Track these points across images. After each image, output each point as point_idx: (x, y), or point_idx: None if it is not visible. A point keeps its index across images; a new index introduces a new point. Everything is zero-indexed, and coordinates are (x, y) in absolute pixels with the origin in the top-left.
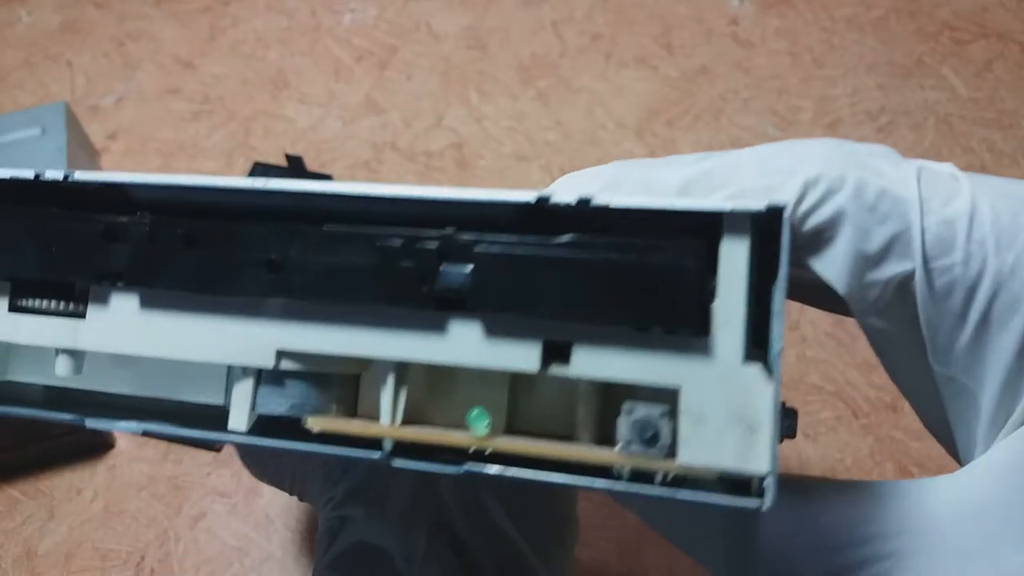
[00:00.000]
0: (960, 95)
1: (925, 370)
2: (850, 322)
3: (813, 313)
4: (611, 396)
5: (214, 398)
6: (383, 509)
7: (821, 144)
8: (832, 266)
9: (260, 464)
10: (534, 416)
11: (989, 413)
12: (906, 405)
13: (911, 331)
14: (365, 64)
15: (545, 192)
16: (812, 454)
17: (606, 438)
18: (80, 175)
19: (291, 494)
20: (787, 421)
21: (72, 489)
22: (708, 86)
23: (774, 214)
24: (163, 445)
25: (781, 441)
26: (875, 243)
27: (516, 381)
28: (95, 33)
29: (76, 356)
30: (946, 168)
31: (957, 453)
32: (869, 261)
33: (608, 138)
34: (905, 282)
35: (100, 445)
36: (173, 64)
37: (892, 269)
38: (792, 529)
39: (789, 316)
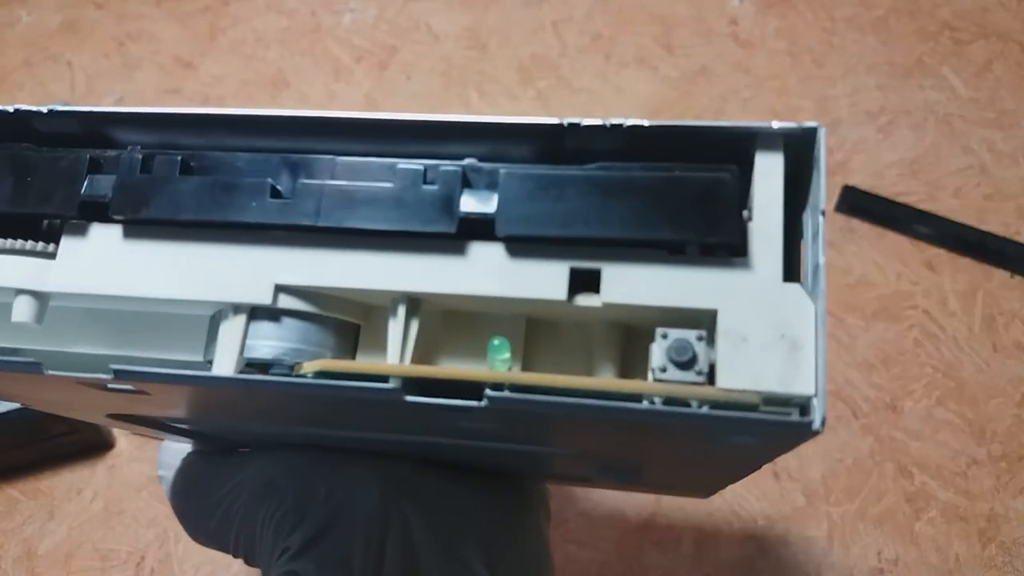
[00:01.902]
0: (960, 95)
1: None
2: (850, 322)
3: None
4: (629, 342)
5: (192, 354)
6: (346, 560)
7: None
8: None
9: (201, 517)
10: (549, 364)
11: None
12: (906, 405)
13: None
14: (365, 64)
15: (574, 118)
16: (812, 454)
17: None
18: (63, 107)
19: (236, 555)
20: None
21: (72, 489)
22: (708, 86)
23: (809, 132)
24: None
25: None
26: None
27: (531, 328)
28: (95, 33)
29: (40, 299)
30: None
31: None
32: None
33: None
34: None
35: (100, 445)
36: (173, 64)
37: None
38: None
39: None
